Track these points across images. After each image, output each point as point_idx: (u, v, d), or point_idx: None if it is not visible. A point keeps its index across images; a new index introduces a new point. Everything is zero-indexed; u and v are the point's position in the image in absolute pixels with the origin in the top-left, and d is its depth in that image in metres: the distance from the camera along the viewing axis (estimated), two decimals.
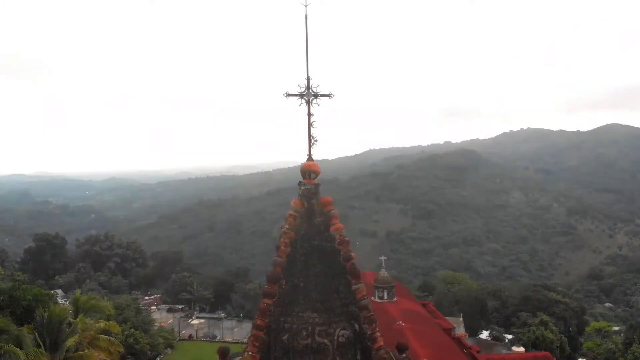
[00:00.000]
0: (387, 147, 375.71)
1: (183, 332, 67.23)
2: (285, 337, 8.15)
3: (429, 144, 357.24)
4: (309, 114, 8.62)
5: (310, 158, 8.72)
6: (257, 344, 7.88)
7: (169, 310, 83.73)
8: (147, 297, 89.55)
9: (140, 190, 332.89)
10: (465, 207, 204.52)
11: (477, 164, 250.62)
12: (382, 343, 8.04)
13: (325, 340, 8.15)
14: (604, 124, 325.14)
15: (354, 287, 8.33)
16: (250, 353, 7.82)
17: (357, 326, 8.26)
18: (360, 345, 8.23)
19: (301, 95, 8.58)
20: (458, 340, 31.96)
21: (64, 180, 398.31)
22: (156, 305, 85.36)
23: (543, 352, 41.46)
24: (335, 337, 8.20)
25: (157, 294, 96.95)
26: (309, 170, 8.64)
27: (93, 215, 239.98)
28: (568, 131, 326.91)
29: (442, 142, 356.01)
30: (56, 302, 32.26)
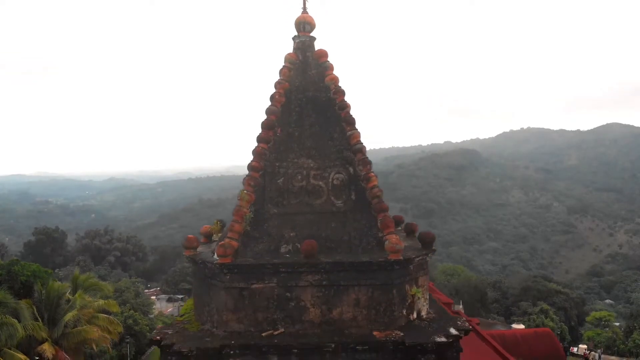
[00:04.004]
0: (387, 146, 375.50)
1: None
2: (281, 180, 8.25)
3: (429, 143, 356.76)
4: None
5: (304, 11, 8.74)
6: (252, 184, 8.00)
7: (169, 300, 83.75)
8: (146, 290, 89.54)
9: (140, 190, 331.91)
10: (465, 206, 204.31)
11: (477, 163, 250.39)
12: (376, 182, 8.13)
13: (320, 183, 8.26)
14: (604, 123, 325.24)
15: (348, 133, 8.41)
16: (246, 191, 7.91)
17: (351, 169, 8.35)
18: (354, 187, 8.30)
19: None
20: (457, 314, 31.96)
21: (64, 180, 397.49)
22: (156, 296, 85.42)
23: (543, 328, 41.36)
24: (330, 180, 8.30)
25: (156, 287, 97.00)
26: (303, 22, 8.66)
27: (93, 215, 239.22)
28: (568, 130, 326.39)
29: (442, 142, 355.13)
30: (55, 281, 32.22)
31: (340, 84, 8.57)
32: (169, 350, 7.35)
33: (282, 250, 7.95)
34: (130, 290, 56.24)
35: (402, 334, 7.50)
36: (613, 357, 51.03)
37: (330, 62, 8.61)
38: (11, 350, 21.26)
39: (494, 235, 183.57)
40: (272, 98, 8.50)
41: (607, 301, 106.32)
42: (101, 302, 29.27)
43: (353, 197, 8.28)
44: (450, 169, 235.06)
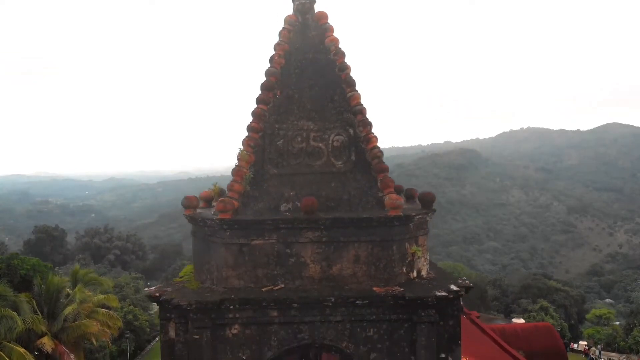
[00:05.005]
0: (387, 146, 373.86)
1: None
2: (280, 142, 8.23)
3: (429, 143, 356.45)
4: None
5: None
6: (251, 144, 7.98)
7: None
8: (146, 289, 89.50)
9: (140, 190, 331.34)
10: (465, 205, 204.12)
11: (477, 163, 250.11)
12: (376, 143, 8.13)
13: (320, 144, 8.25)
14: (604, 123, 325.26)
15: (348, 94, 8.40)
16: (245, 152, 7.90)
17: (351, 131, 8.34)
18: (354, 148, 8.30)
19: None
20: None
21: (64, 180, 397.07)
22: None
23: (544, 323, 41.24)
24: (330, 142, 8.29)
25: (156, 285, 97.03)
26: None
27: (93, 215, 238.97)
28: (568, 130, 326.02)
29: (442, 142, 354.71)
30: (54, 275, 32.11)
31: (340, 46, 8.57)
32: (168, 305, 7.36)
33: (282, 208, 7.95)
34: (130, 286, 56.12)
35: (402, 289, 7.51)
36: (613, 354, 51.05)
37: (331, 24, 8.62)
38: (10, 344, 21.17)
39: (494, 235, 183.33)
40: (271, 60, 8.49)
41: (607, 300, 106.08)
42: (101, 296, 29.13)
43: (353, 158, 8.28)
44: (450, 169, 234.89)
